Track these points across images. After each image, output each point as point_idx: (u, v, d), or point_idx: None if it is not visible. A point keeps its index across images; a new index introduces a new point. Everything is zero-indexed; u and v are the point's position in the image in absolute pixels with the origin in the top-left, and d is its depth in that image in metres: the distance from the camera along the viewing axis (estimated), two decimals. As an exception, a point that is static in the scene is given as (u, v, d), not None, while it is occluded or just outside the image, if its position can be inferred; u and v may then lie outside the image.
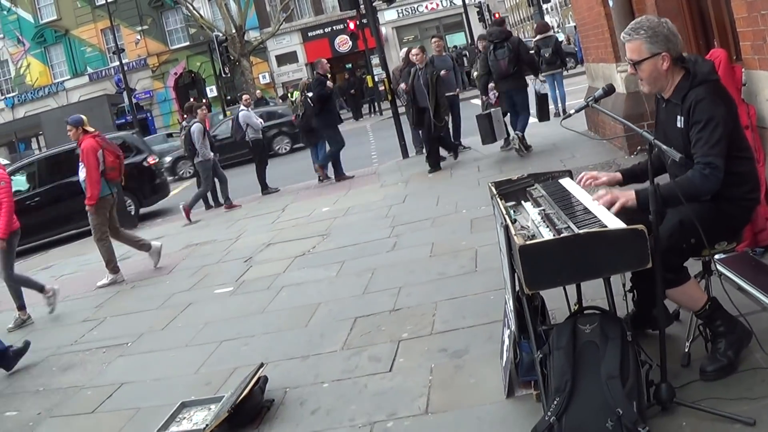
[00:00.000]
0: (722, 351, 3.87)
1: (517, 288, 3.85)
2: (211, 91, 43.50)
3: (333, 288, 7.14)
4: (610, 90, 4.06)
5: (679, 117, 3.81)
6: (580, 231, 3.35)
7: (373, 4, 16.38)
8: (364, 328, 5.86)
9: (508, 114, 12.86)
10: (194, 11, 40.30)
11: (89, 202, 9.25)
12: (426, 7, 44.48)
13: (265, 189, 15.25)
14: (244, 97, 15.91)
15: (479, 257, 7.07)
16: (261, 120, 15.62)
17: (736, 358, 3.87)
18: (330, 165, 14.64)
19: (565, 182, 4.73)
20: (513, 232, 3.57)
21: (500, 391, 4.26)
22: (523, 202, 4.51)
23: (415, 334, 5.51)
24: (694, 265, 3.92)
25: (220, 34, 35.58)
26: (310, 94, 14.28)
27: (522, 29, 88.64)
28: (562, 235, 3.36)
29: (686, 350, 4.05)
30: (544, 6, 46.82)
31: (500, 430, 3.94)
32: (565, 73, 18.12)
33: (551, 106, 16.70)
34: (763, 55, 4.91)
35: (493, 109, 12.63)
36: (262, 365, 4.99)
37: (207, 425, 4.46)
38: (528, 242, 3.33)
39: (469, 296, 6.06)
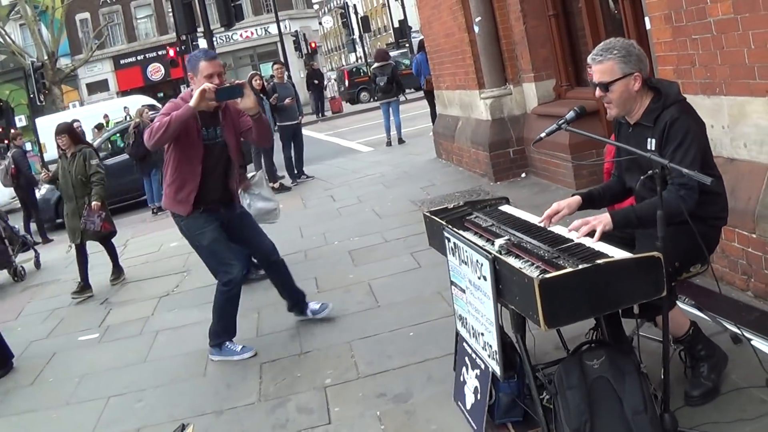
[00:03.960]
0: (705, 375, 3.81)
1: (500, 325, 3.61)
2: (20, 121, 40.93)
3: None
4: (582, 112, 3.90)
5: (649, 139, 3.70)
6: (600, 261, 3.12)
7: (212, 28, 15.88)
8: (275, 375, 5.38)
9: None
10: (5, 36, 37.95)
11: None
12: (241, 35, 44.03)
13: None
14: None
15: (376, 291, 6.77)
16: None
17: (718, 380, 3.83)
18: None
19: (510, 209, 4.54)
20: (517, 265, 3.29)
21: (470, 436, 3.96)
22: (461, 231, 4.23)
23: (341, 378, 5.11)
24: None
25: (35, 60, 33.59)
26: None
27: (330, 59, 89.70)
28: (581, 267, 3.11)
29: (661, 378, 3.91)
30: (355, 37, 47.61)
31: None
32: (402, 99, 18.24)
33: (384, 135, 16.84)
34: (690, 79, 4.93)
35: None
36: (184, 426, 4.42)
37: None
38: (547, 276, 3.06)
39: (384, 334, 5.73)
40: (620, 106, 3.75)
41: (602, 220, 3.57)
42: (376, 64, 17.16)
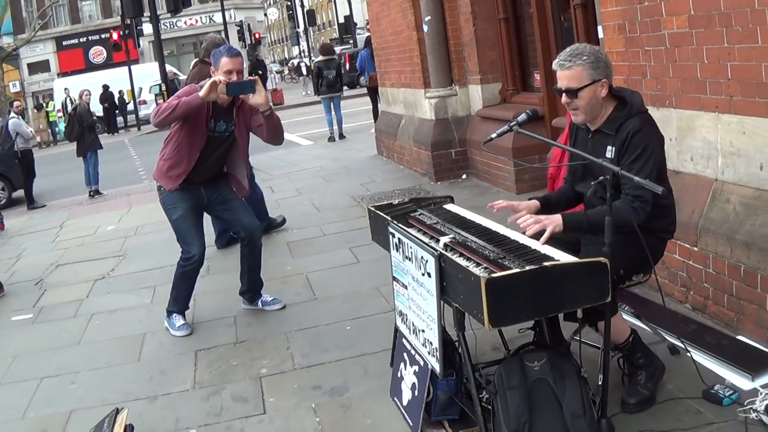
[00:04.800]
0: (643, 383, 3.84)
1: (442, 323, 3.60)
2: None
3: (154, 316, 6.42)
4: (534, 115, 3.91)
5: (610, 147, 3.70)
6: (547, 263, 3.12)
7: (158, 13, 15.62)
8: (210, 363, 5.30)
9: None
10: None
11: None
12: (185, 22, 43.44)
13: (32, 204, 14.18)
14: (16, 103, 14.73)
15: (313, 284, 6.72)
16: (32, 129, 14.47)
17: (655, 389, 3.86)
18: None
19: (455, 208, 4.53)
20: (463, 263, 3.27)
21: (404, 432, 3.95)
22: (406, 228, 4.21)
23: (276, 369, 5.05)
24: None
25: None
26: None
27: (273, 51, 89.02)
28: (528, 268, 3.11)
29: (599, 384, 3.93)
30: (299, 30, 47.38)
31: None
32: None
33: (326, 129, 16.77)
34: (641, 90, 4.98)
35: None
36: (118, 410, 4.29)
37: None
38: (495, 275, 3.04)
39: (320, 327, 5.69)
40: (587, 112, 3.73)
41: (554, 221, 3.58)
42: (321, 58, 17.05)
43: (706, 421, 3.63)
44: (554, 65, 3.74)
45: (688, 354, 4.03)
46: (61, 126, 16.68)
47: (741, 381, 3.91)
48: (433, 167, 10.24)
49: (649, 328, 4.47)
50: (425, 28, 9.95)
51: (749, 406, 3.61)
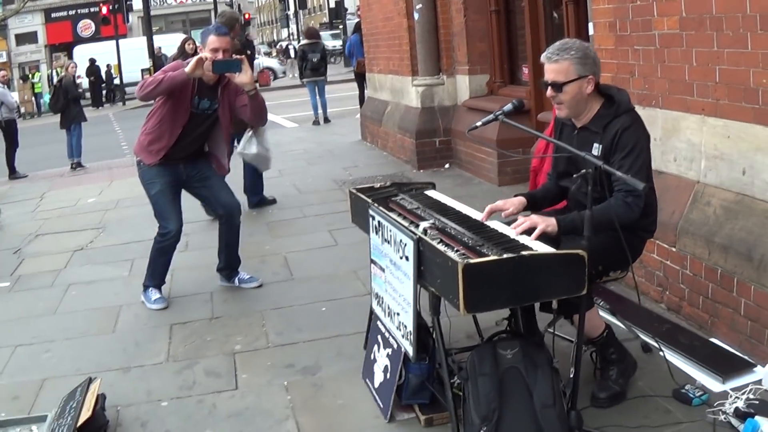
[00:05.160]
0: (614, 378, 3.86)
1: (417, 307, 3.62)
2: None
3: (131, 289, 6.39)
4: (520, 105, 3.92)
5: (596, 145, 3.71)
6: (525, 252, 3.13)
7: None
8: (185, 337, 5.30)
9: None
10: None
11: None
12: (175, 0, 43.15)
13: (13, 173, 14.10)
14: (2, 73, 14.63)
15: (291, 264, 6.73)
16: (16, 99, 14.39)
17: (626, 386, 3.88)
18: None
19: (436, 195, 4.55)
20: (441, 248, 3.28)
21: (375, 414, 3.97)
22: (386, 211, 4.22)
23: (250, 346, 5.06)
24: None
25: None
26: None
27: (262, 32, 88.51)
28: (505, 256, 3.12)
29: (570, 376, 3.96)
30: (289, 13, 47.11)
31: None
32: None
33: (311, 113, 16.73)
34: (628, 88, 4.96)
35: None
36: (91, 380, 4.28)
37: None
38: (472, 261, 3.05)
39: (296, 306, 5.71)
40: (571, 108, 3.74)
41: (548, 221, 3.56)
42: (305, 41, 17.02)
43: (674, 420, 3.65)
44: (542, 58, 3.75)
45: (661, 353, 4.06)
46: (46, 98, 16.50)
47: (711, 383, 3.94)
48: (416, 155, 10.25)
49: (624, 325, 4.49)
50: (416, 15, 9.95)
51: (718, 408, 3.64)
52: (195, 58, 5.25)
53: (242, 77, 5.33)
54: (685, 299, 4.74)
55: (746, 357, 4.15)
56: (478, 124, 3.93)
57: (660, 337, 4.33)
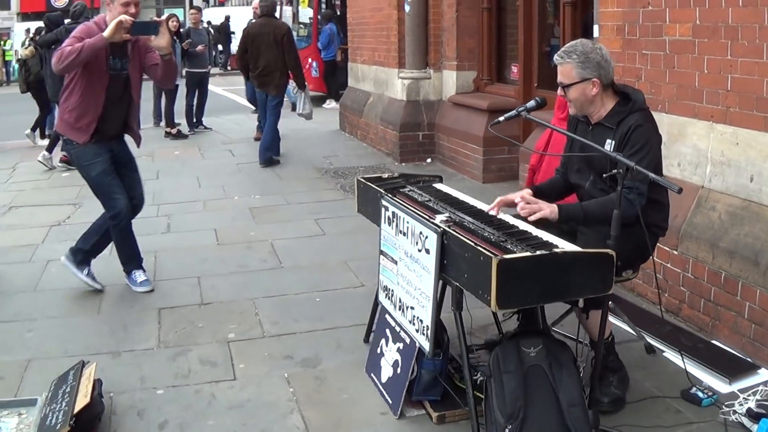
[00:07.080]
0: (616, 385, 3.87)
1: (434, 302, 3.59)
2: None
3: (111, 269, 6.12)
4: (543, 103, 3.91)
5: (609, 141, 3.73)
6: (557, 250, 3.12)
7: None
8: (175, 323, 5.18)
9: None
10: None
11: None
12: (152, -29, 42.37)
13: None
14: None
15: (279, 252, 6.65)
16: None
17: (624, 394, 3.88)
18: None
19: (445, 188, 4.53)
20: (471, 242, 3.25)
21: (382, 410, 3.92)
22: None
23: (245, 335, 4.97)
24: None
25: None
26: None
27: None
28: (539, 253, 3.11)
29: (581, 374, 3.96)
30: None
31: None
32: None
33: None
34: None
35: None
36: (84, 363, 4.13)
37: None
38: (507, 257, 3.03)
39: (290, 296, 5.63)
40: (578, 107, 3.81)
41: (550, 207, 3.62)
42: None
43: (686, 421, 3.69)
44: (554, 59, 3.82)
45: (677, 354, 4.09)
46: (16, 67, 16.05)
47: (718, 384, 3.98)
48: (399, 148, 10.23)
49: (629, 325, 4.50)
50: (407, 8, 9.90)
51: (729, 408, 3.68)
52: (114, 22, 5.06)
53: (159, 40, 5.26)
54: (685, 302, 4.78)
55: (749, 359, 4.20)
56: (501, 119, 3.93)
57: (663, 339, 4.36)
